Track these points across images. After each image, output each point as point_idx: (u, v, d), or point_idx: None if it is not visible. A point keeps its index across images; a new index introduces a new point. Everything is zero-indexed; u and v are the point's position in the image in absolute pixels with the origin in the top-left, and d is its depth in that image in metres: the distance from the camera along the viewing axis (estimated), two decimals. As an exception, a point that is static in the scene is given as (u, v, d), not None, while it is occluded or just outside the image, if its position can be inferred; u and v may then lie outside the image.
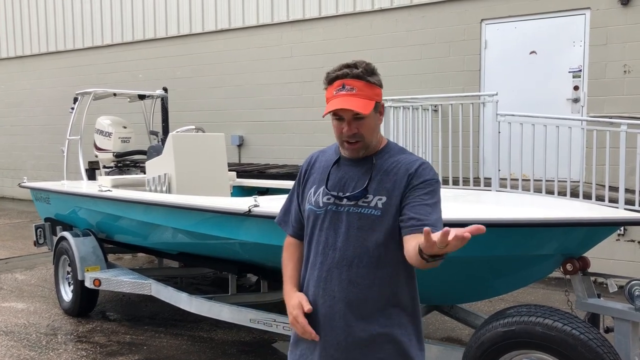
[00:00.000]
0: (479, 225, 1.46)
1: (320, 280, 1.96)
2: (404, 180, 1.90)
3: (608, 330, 3.14)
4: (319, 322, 1.96)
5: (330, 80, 1.92)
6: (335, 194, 1.97)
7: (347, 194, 1.94)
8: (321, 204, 1.99)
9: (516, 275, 3.38)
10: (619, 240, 6.35)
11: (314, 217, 2.00)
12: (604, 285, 3.26)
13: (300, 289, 2.06)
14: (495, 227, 3.05)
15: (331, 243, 1.95)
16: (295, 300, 1.98)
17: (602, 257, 5.88)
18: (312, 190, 2.04)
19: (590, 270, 3.19)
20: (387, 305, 1.93)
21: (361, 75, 1.88)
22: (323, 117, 1.96)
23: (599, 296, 3.18)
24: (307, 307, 1.95)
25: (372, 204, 1.90)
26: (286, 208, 2.23)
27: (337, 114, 1.90)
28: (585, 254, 3.21)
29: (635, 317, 2.95)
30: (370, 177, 1.94)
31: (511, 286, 3.64)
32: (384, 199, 1.90)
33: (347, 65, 1.90)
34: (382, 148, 2.00)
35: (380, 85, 1.94)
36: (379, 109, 1.96)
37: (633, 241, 6.34)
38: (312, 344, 1.98)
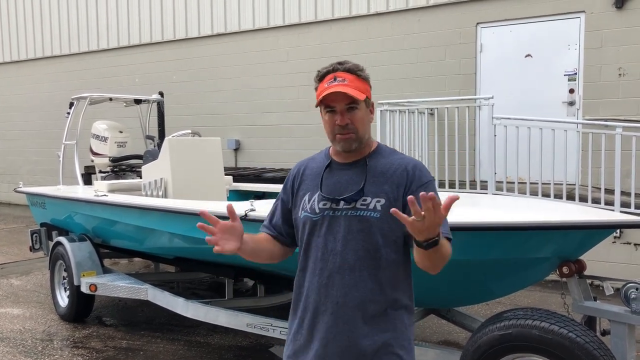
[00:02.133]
0: (453, 195, 1.59)
1: (321, 286, 1.94)
2: (403, 183, 1.91)
3: (604, 333, 3.14)
4: (322, 329, 1.93)
5: (322, 76, 1.95)
6: (331, 198, 1.94)
7: (344, 197, 1.92)
8: (317, 210, 1.96)
9: (513, 279, 3.38)
10: (615, 242, 6.36)
11: (310, 224, 1.97)
12: (600, 288, 3.27)
13: (298, 295, 2.03)
14: (491, 231, 3.06)
15: (331, 248, 1.92)
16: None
17: (598, 259, 5.89)
18: (306, 197, 2.01)
19: (586, 272, 3.19)
20: (390, 309, 1.92)
21: (352, 69, 1.92)
22: (316, 106, 1.96)
23: (595, 299, 3.18)
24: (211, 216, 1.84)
25: (371, 207, 1.89)
26: (269, 215, 2.17)
27: (330, 106, 1.91)
28: (581, 257, 3.21)
29: (631, 319, 2.95)
30: (365, 178, 1.93)
31: (508, 289, 3.64)
32: (383, 201, 1.89)
33: (338, 62, 1.95)
34: (374, 150, 2.01)
35: (370, 83, 1.96)
36: (370, 105, 1.97)
37: (629, 243, 6.35)
38: (312, 356, 1.94)
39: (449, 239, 1.84)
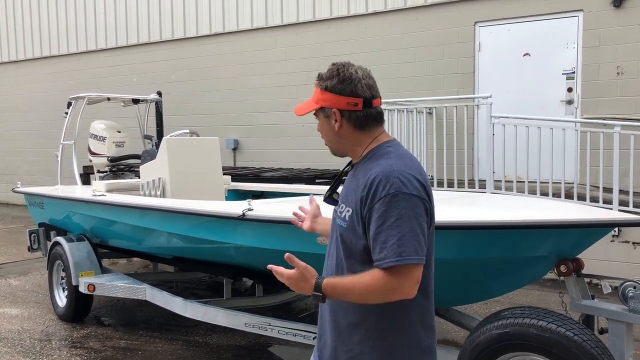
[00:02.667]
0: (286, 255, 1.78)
1: None
2: (364, 196, 1.78)
3: (602, 331, 3.14)
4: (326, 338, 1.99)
5: None
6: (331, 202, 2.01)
7: (334, 206, 1.98)
8: (332, 214, 2.01)
9: (511, 277, 3.37)
10: (613, 241, 6.36)
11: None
12: (598, 287, 3.27)
13: None
14: (489, 230, 3.06)
15: (328, 252, 1.99)
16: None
17: (596, 258, 5.89)
18: None
19: (584, 271, 3.19)
20: (351, 325, 1.87)
21: (320, 81, 1.91)
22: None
23: (593, 297, 3.18)
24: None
25: (343, 215, 1.87)
26: None
27: None
28: (579, 255, 3.21)
29: (629, 318, 2.95)
30: (343, 184, 1.96)
31: (506, 288, 3.64)
32: (351, 211, 1.83)
33: (321, 72, 1.95)
34: (368, 152, 1.89)
35: (333, 91, 1.86)
36: (329, 114, 1.88)
37: (627, 242, 6.36)
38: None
39: (381, 268, 1.70)
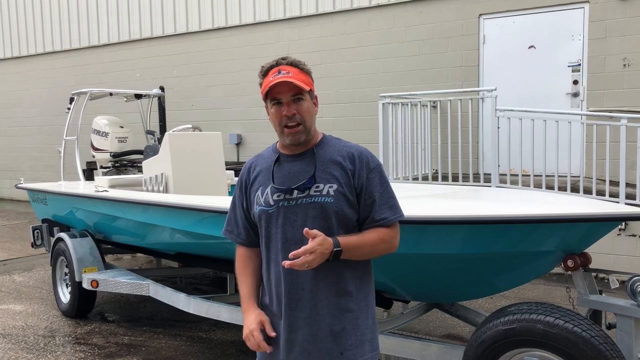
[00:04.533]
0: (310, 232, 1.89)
1: (286, 274, 1.99)
2: (351, 168, 2.01)
3: (610, 326, 3.10)
4: (300, 317, 2.00)
5: (266, 70, 2.02)
6: (284, 188, 2.01)
7: (297, 186, 1.99)
8: (272, 202, 2.03)
9: (517, 272, 3.34)
10: (620, 235, 6.31)
11: (266, 216, 2.04)
12: (605, 281, 3.23)
13: (268, 288, 2.11)
14: (495, 224, 3.02)
15: (290, 237, 1.99)
16: (256, 318, 2.06)
17: (602, 252, 5.85)
18: (259, 192, 2.08)
19: (591, 265, 3.15)
20: (340, 292, 2.02)
21: (294, 62, 2.01)
22: (262, 96, 2.03)
23: (600, 292, 3.14)
24: (271, 333, 2.04)
25: (324, 192, 1.98)
26: (230, 218, 2.23)
27: (276, 98, 1.99)
28: (587, 250, 3.17)
29: (637, 313, 2.91)
30: (315, 166, 2.01)
31: (512, 283, 3.60)
32: (335, 186, 1.98)
33: (281, 57, 2.03)
34: (320, 140, 2.09)
35: (312, 78, 2.05)
36: (314, 98, 2.06)
37: (634, 236, 6.31)
38: (282, 343, 2.04)
39: (386, 225, 2.01)
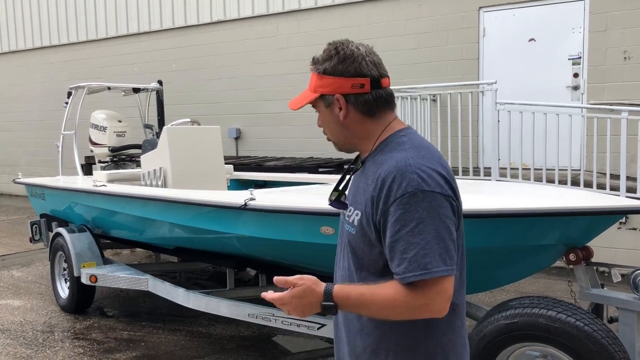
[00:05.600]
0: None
1: None
2: (375, 196, 1.50)
3: (612, 320, 3.09)
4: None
5: None
6: (336, 203, 1.67)
7: (332, 203, 1.66)
8: (341, 216, 1.70)
9: (518, 266, 3.32)
10: (620, 228, 6.29)
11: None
12: (606, 275, 3.21)
13: None
14: (495, 218, 3.00)
15: (336, 261, 1.72)
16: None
17: (603, 245, 5.82)
18: None
19: (593, 259, 3.14)
20: (368, 350, 1.61)
21: (315, 65, 1.64)
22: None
23: (602, 286, 3.13)
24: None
25: (351, 220, 1.59)
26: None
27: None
28: (588, 244, 3.15)
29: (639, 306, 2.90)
30: (351, 182, 1.67)
31: (513, 277, 3.59)
32: (360, 214, 1.55)
33: (316, 55, 1.66)
34: (378, 145, 1.60)
35: (334, 73, 1.58)
36: (331, 102, 1.60)
37: (635, 229, 6.29)
38: None
39: (406, 283, 1.43)
